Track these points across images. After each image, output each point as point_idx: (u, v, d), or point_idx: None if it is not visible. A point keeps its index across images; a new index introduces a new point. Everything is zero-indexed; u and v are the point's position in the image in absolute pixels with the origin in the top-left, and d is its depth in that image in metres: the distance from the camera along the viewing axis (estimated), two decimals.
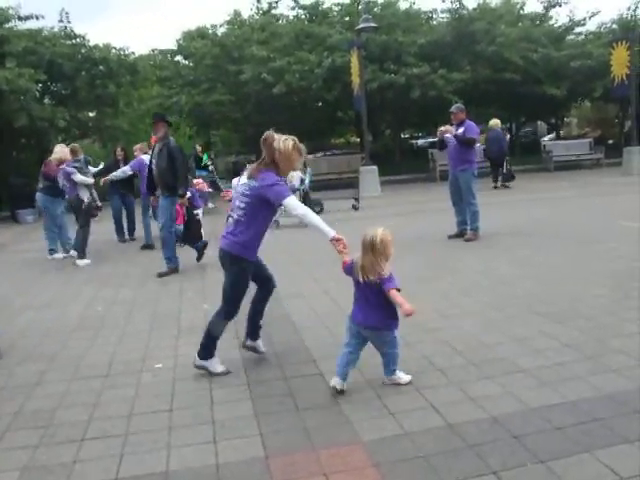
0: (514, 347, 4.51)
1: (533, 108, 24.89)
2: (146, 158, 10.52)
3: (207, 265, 8.56)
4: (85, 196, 9.69)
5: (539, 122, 35.26)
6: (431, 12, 23.85)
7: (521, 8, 23.84)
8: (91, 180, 10.06)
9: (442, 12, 23.17)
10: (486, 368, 4.15)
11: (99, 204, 10.41)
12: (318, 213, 12.38)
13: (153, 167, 8.21)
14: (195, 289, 7.19)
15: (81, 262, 9.42)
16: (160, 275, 8.09)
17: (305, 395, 3.96)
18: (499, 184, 16.69)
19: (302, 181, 11.72)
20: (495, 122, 17.33)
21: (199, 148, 18.37)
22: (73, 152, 10.12)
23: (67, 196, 9.86)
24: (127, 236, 11.94)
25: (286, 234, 11.09)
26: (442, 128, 9.19)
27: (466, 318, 5.30)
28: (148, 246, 10.60)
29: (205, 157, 17.95)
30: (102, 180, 10.77)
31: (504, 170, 16.86)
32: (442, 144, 9.41)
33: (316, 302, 6.23)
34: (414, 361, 4.39)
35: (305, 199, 11.72)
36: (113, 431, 3.66)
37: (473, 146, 9.21)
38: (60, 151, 10.00)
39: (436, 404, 3.67)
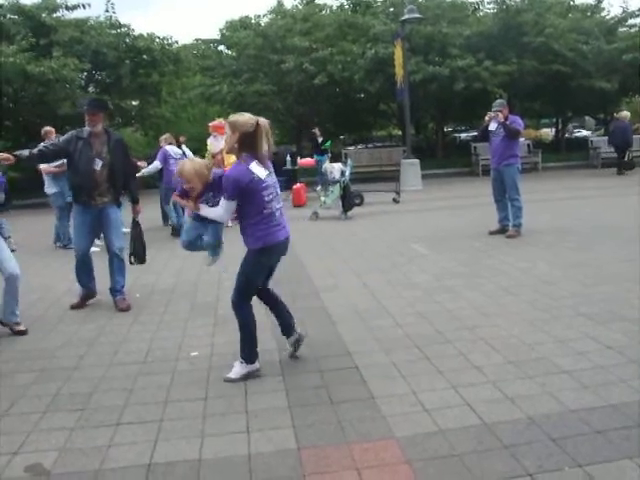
0: (555, 347, 4.40)
1: (581, 102, 24.28)
2: (169, 149, 10.74)
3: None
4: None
5: (587, 117, 34.46)
6: (477, 3, 23.40)
7: None
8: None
9: (489, 3, 22.72)
10: (525, 368, 4.06)
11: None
12: (358, 205, 12.40)
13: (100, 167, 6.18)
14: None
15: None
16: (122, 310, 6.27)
17: (339, 388, 3.93)
18: (623, 170, 17.87)
19: (342, 173, 11.67)
20: (625, 114, 18.55)
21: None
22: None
23: None
24: (162, 222, 12.21)
25: (323, 225, 11.07)
26: (491, 112, 8.96)
27: (506, 316, 5.20)
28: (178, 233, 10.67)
29: (328, 143, 17.72)
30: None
31: (626, 159, 18.00)
32: (484, 134, 9.23)
33: (353, 295, 6.19)
34: (451, 358, 4.32)
35: (345, 191, 11.66)
36: (148, 417, 3.70)
37: (518, 139, 9.03)
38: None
39: (472, 402, 3.60)
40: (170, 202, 10.63)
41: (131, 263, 6.51)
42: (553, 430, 3.22)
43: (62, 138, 6.35)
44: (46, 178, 9.98)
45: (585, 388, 3.70)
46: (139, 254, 6.52)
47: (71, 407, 3.92)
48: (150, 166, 10.98)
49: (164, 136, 11.41)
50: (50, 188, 9.95)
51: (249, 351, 4.24)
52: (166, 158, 10.73)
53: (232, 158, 11.71)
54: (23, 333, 5.48)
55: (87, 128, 6.18)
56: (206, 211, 4.28)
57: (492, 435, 3.22)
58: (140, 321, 5.74)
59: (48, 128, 10.30)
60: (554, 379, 3.85)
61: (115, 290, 6.35)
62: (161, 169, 11.00)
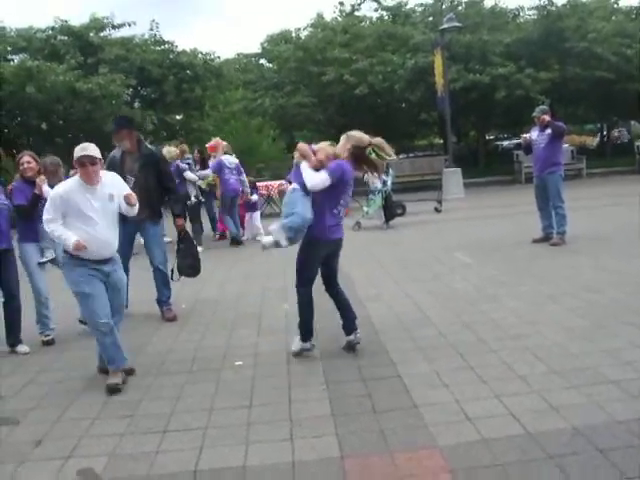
0: (601, 357, 4.33)
1: (626, 107, 23.80)
2: (225, 158, 10.78)
3: (288, 265, 8.67)
4: (192, 194, 10.33)
5: (632, 122, 33.71)
6: (518, 10, 23.28)
7: (615, 2, 22.88)
8: (197, 178, 10.67)
9: (529, 9, 22.59)
10: (570, 377, 4.01)
11: (202, 199, 10.81)
12: (400, 215, 12.38)
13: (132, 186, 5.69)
14: (276, 289, 7.29)
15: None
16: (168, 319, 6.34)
17: (383, 397, 3.95)
18: None
19: (384, 183, 11.68)
20: None
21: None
22: (182, 152, 10.97)
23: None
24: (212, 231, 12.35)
25: (366, 235, 11.09)
26: (525, 135, 9.06)
27: (550, 325, 5.14)
28: (237, 242, 10.84)
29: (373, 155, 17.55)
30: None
31: None
32: (528, 148, 9.18)
33: (396, 304, 6.20)
34: (495, 367, 4.30)
35: (387, 201, 11.66)
36: (194, 424, 3.78)
37: (561, 144, 8.95)
38: (171, 150, 10.65)
39: (516, 412, 3.57)
40: (227, 210, 10.80)
41: (171, 279, 6.50)
42: (600, 441, 3.17)
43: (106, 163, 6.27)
44: None
45: (633, 398, 3.63)
46: (183, 269, 6.50)
47: (121, 414, 4.03)
48: (202, 172, 11.08)
49: (223, 144, 11.36)
50: None
51: (302, 330, 4.81)
52: (221, 167, 10.72)
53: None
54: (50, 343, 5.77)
55: (118, 148, 6.35)
56: (310, 171, 4.57)
57: (536, 445, 3.19)
58: (186, 330, 5.86)
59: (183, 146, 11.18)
60: (600, 389, 3.79)
61: (161, 301, 6.48)
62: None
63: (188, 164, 10.64)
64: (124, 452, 3.52)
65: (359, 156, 4.73)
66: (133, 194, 4.64)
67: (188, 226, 10.16)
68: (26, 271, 5.79)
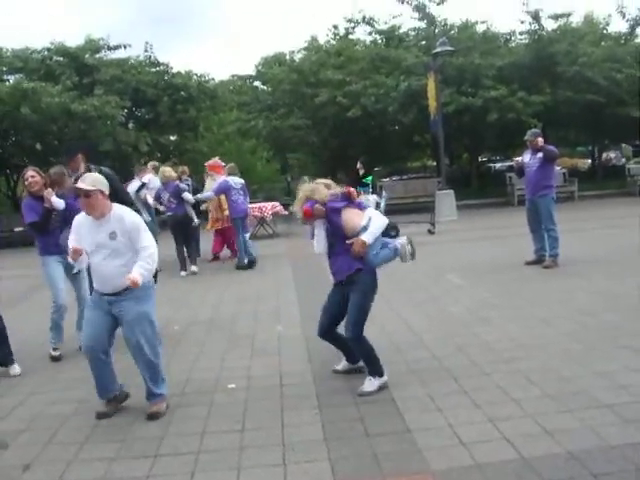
0: (595, 381, 4.32)
1: (617, 130, 24.01)
2: (231, 179, 10.69)
3: (281, 287, 8.68)
4: (190, 214, 10.39)
5: (623, 145, 34.01)
6: (509, 34, 23.48)
7: (604, 27, 23.19)
8: (193, 199, 10.63)
9: (520, 34, 22.81)
10: (564, 401, 4.00)
11: (197, 222, 10.77)
12: (394, 237, 12.33)
13: None
14: (269, 311, 7.27)
15: (183, 273, 10.28)
16: None
17: (376, 421, 3.93)
18: None
19: (377, 205, 11.66)
20: None
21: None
22: (182, 173, 11.20)
23: (171, 213, 10.36)
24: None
25: None
26: (517, 159, 9.15)
27: (544, 349, 5.13)
28: (249, 264, 10.70)
29: (369, 178, 17.57)
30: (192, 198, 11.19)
31: None
32: (520, 172, 9.24)
33: (389, 326, 6.19)
34: (489, 392, 4.28)
35: None
36: (185, 448, 3.75)
37: (553, 167, 9.02)
38: (169, 170, 10.71)
39: (510, 436, 3.56)
40: (238, 232, 10.72)
41: None
42: (594, 466, 3.16)
43: None
44: (143, 208, 10.35)
45: (627, 423, 3.63)
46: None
47: (111, 438, 3.99)
48: (206, 194, 11.02)
49: (228, 165, 11.32)
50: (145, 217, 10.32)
51: (379, 367, 4.54)
52: (229, 189, 10.59)
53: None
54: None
55: (72, 175, 6.42)
56: (373, 232, 4.60)
57: (531, 470, 3.18)
58: (179, 352, 5.82)
59: (154, 163, 11.48)
60: (595, 413, 3.78)
61: None
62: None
63: (188, 185, 10.62)
64: (114, 477, 3.49)
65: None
66: (135, 280, 4.15)
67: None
68: (47, 283, 5.91)
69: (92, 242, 4.32)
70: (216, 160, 11.92)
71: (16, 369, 5.51)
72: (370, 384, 4.48)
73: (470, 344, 5.38)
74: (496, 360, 4.92)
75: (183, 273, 10.24)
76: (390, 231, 12.94)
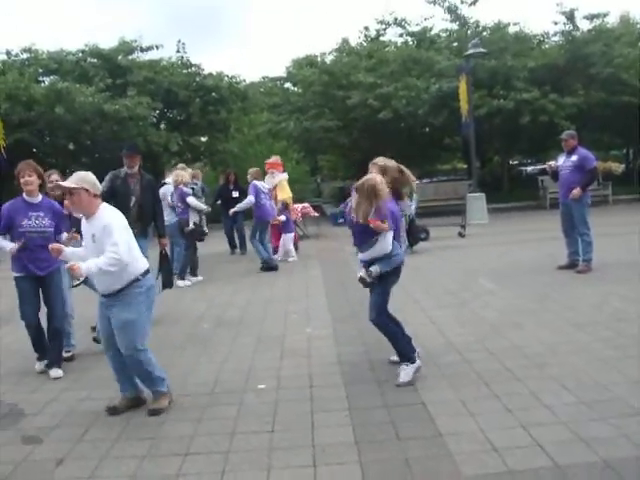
0: (631, 388, 4.23)
1: None
2: (258, 184, 10.74)
3: (310, 288, 8.69)
4: (192, 220, 9.90)
5: None
6: (542, 35, 23.21)
7: None
8: (204, 207, 10.36)
9: (554, 35, 22.55)
10: (599, 408, 3.92)
11: (206, 230, 10.51)
12: (424, 240, 12.31)
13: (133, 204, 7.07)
14: (299, 312, 7.27)
15: (180, 282, 9.55)
16: None
17: (406, 424, 3.90)
18: None
19: (408, 207, 11.63)
20: None
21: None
22: (193, 176, 10.75)
23: (178, 217, 9.97)
24: (239, 249, 13.02)
25: None
26: (551, 163, 9.07)
27: (578, 354, 5.04)
28: (268, 267, 10.65)
29: None
30: (231, 211, 11.22)
31: None
32: (555, 175, 9.08)
33: (420, 330, 6.12)
34: (521, 397, 4.22)
35: (411, 225, 11.60)
36: (215, 448, 3.76)
37: (595, 172, 8.90)
38: (180, 173, 10.27)
39: (543, 443, 3.50)
40: (257, 237, 10.71)
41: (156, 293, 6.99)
42: (630, 475, 3.10)
43: (105, 179, 6.94)
44: (167, 209, 10.25)
45: None
46: (165, 282, 7.22)
47: (142, 435, 4.03)
48: (245, 201, 10.98)
49: (252, 170, 11.23)
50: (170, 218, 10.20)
51: (410, 352, 4.72)
52: (258, 193, 10.63)
53: (286, 193, 11.94)
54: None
55: (124, 169, 7.09)
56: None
57: (564, 478, 3.12)
58: (208, 353, 5.85)
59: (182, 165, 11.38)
60: (630, 421, 3.70)
61: None
62: (238, 198, 11.10)
63: (193, 189, 10.23)
64: (145, 474, 3.51)
65: (398, 184, 4.91)
66: (76, 268, 4.11)
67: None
68: None
69: (85, 238, 4.37)
70: (277, 158, 12.38)
71: (59, 372, 5.44)
72: (405, 373, 4.61)
73: (502, 349, 5.32)
74: (528, 365, 4.85)
75: (180, 283, 9.50)
76: (420, 234, 12.96)
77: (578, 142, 8.88)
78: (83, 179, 4.26)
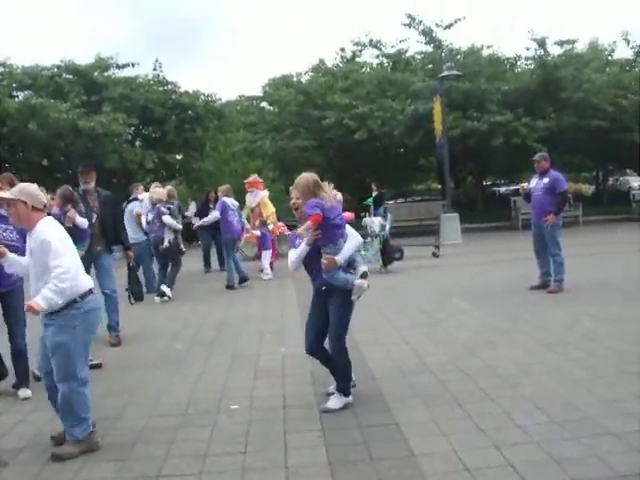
0: (602, 408, 4.27)
1: (622, 156, 24.06)
2: (228, 200, 10.91)
3: (285, 308, 8.66)
4: (167, 239, 9.95)
5: (628, 171, 34.03)
6: (515, 59, 23.69)
7: (610, 54, 23.34)
8: (179, 226, 10.44)
9: (526, 59, 23.00)
10: (570, 428, 3.95)
11: (183, 249, 10.47)
12: (398, 260, 12.37)
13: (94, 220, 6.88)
14: (274, 332, 7.24)
15: (157, 299, 9.86)
16: (113, 345, 7.00)
17: (380, 445, 3.88)
18: None
19: (382, 227, 11.72)
20: None
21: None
22: (170, 196, 10.70)
23: (152, 235, 10.20)
24: (218, 266, 12.96)
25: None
26: (524, 185, 9.20)
27: (550, 374, 5.09)
28: (241, 280, 10.91)
29: (369, 200, 17.51)
30: (195, 225, 11.31)
31: None
32: (528, 197, 9.22)
33: (393, 350, 6.16)
34: (494, 417, 4.24)
35: (385, 245, 11.67)
36: (187, 470, 3.71)
37: (565, 195, 9.08)
38: (158, 191, 10.51)
39: (515, 462, 3.51)
40: (229, 252, 10.91)
41: (131, 303, 7.75)
42: None
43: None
44: (134, 227, 10.38)
45: (635, 451, 3.57)
46: (136, 293, 7.69)
47: (112, 457, 3.95)
48: (210, 216, 11.30)
49: (222, 187, 11.50)
50: (138, 236, 10.38)
51: (348, 386, 4.65)
52: (225, 209, 10.85)
53: (269, 210, 12.06)
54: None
55: (82, 186, 6.94)
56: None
57: None
58: (182, 373, 5.79)
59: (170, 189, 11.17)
60: (602, 441, 3.73)
61: (110, 327, 7.07)
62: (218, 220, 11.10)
63: (169, 208, 10.17)
64: None
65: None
66: (32, 305, 3.84)
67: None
68: None
69: (27, 256, 4.18)
70: (255, 177, 12.64)
71: (27, 392, 5.30)
72: (336, 401, 4.56)
73: (475, 369, 5.34)
74: (501, 385, 4.88)
75: (157, 299, 9.82)
76: (394, 253, 13.02)
77: (550, 164, 9.04)
78: (22, 190, 4.05)
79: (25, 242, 5.14)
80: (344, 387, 4.62)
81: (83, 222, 6.31)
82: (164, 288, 9.85)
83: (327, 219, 4.44)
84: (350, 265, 4.62)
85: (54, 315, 3.97)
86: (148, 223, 10.27)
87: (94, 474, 3.74)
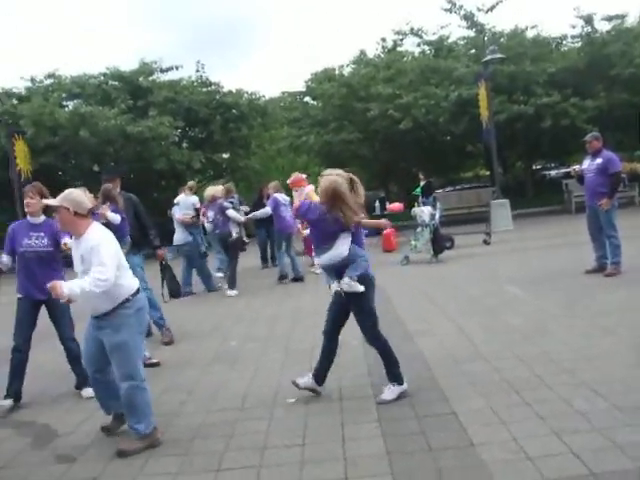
0: None
1: None
2: (279, 196, 11.02)
3: None
4: (234, 231, 10.50)
5: None
6: (561, 38, 23.10)
7: None
8: (242, 218, 10.89)
9: (573, 38, 22.41)
10: (633, 414, 3.85)
11: (246, 240, 10.92)
12: (449, 248, 12.27)
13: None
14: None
15: (231, 292, 10.23)
16: (166, 344, 7.16)
17: (438, 435, 3.87)
18: None
19: (432, 216, 11.63)
20: None
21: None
22: (228, 191, 11.35)
23: (218, 230, 10.58)
24: (270, 263, 13.28)
25: (415, 270, 11.01)
26: (575, 167, 9.07)
27: (609, 359, 4.97)
28: (284, 277, 11.12)
29: (418, 190, 17.62)
30: (244, 218, 11.50)
31: None
32: (581, 179, 9.00)
33: (448, 339, 6.11)
34: (552, 403, 4.17)
35: (435, 234, 11.59)
36: (247, 463, 3.77)
37: (619, 176, 8.81)
38: (213, 189, 10.98)
39: (577, 450, 3.44)
40: (282, 248, 11.06)
41: (164, 301, 7.50)
42: None
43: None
44: (179, 228, 10.71)
45: None
46: (172, 290, 7.62)
47: (174, 452, 4.05)
48: (261, 210, 11.42)
49: (272, 184, 11.73)
50: (185, 237, 10.66)
51: (399, 374, 4.61)
52: (277, 205, 11.00)
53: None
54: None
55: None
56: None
57: None
58: (237, 369, 5.87)
59: (190, 184, 11.64)
60: None
61: (155, 324, 7.23)
62: (270, 215, 11.25)
63: (231, 202, 10.90)
64: None
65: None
66: (57, 287, 3.92)
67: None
68: None
69: (75, 264, 4.24)
70: (296, 175, 12.48)
71: (89, 391, 5.36)
72: (390, 392, 4.55)
73: (531, 355, 5.26)
74: (559, 371, 4.79)
75: (229, 292, 10.22)
76: (445, 242, 12.93)
77: (602, 144, 8.80)
78: (65, 197, 4.12)
79: (58, 248, 5.32)
80: (394, 374, 4.61)
81: (115, 217, 6.41)
82: (229, 292, 10.22)
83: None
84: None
85: (107, 316, 4.10)
86: (211, 221, 10.63)
87: (157, 469, 3.83)
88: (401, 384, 4.60)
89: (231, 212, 10.51)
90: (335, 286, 4.67)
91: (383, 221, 4.61)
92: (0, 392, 5.37)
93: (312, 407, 4.61)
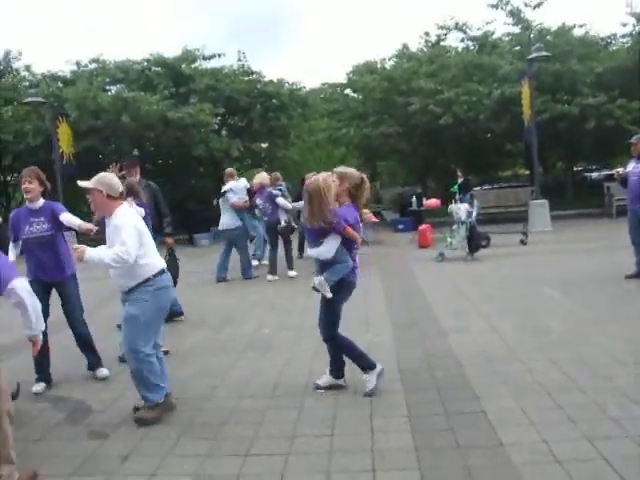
0: None
1: None
2: None
3: (370, 294, 8.67)
4: (283, 219, 10.71)
5: None
6: (610, 38, 22.60)
7: None
8: (290, 206, 11.02)
9: (622, 37, 21.92)
10: None
11: (295, 225, 11.05)
12: (485, 247, 12.15)
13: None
14: (359, 319, 7.27)
15: (271, 277, 10.61)
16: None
17: (467, 432, 3.86)
18: None
19: (469, 214, 11.53)
20: None
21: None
22: (276, 179, 11.67)
23: (266, 217, 10.91)
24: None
25: (450, 267, 10.93)
26: (619, 170, 9.01)
27: None
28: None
29: (455, 187, 17.61)
30: (290, 206, 11.64)
31: None
32: (624, 181, 8.82)
33: (481, 338, 6.07)
34: (584, 408, 4.12)
35: (472, 232, 11.49)
36: (275, 450, 3.81)
37: None
38: (261, 176, 11.32)
39: (608, 456, 3.40)
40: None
41: None
42: None
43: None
44: (228, 213, 10.83)
45: None
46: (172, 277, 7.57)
47: (204, 435, 4.11)
48: (301, 202, 11.46)
49: (309, 175, 11.77)
50: (235, 222, 10.79)
51: (366, 361, 4.73)
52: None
53: None
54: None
55: (127, 179, 7.00)
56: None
57: None
58: (269, 357, 5.93)
59: (230, 170, 11.68)
60: None
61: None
62: None
63: (280, 190, 11.08)
64: (206, 473, 3.60)
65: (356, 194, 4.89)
66: (80, 251, 4.23)
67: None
68: None
69: (107, 236, 4.47)
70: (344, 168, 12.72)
71: (103, 372, 5.60)
72: (370, 380, 4.66)
73: (565, 359, 5.20)
74: (593, 376, 4.73)
75: (270, 277, 10.58)
76: (481, 240, 12.77)
77: None
78: (98, 180, 4.39)
79: (61, 229, 5.44)
80: (363, 364, 4.72)
81: (140, 211, 6.46)
82: (269, 277, 10.58)
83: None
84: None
85: (129, 292, 4.39)
86: (261, 208, 10.99)
87: (187, 450, 3.90)
88: (373, 368, 4.67)
89: (280, 200, 10.71)
90: (314, 280, 4.77)
91: (357, 236, 4.70)
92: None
93: (342, 398, 4.63)
